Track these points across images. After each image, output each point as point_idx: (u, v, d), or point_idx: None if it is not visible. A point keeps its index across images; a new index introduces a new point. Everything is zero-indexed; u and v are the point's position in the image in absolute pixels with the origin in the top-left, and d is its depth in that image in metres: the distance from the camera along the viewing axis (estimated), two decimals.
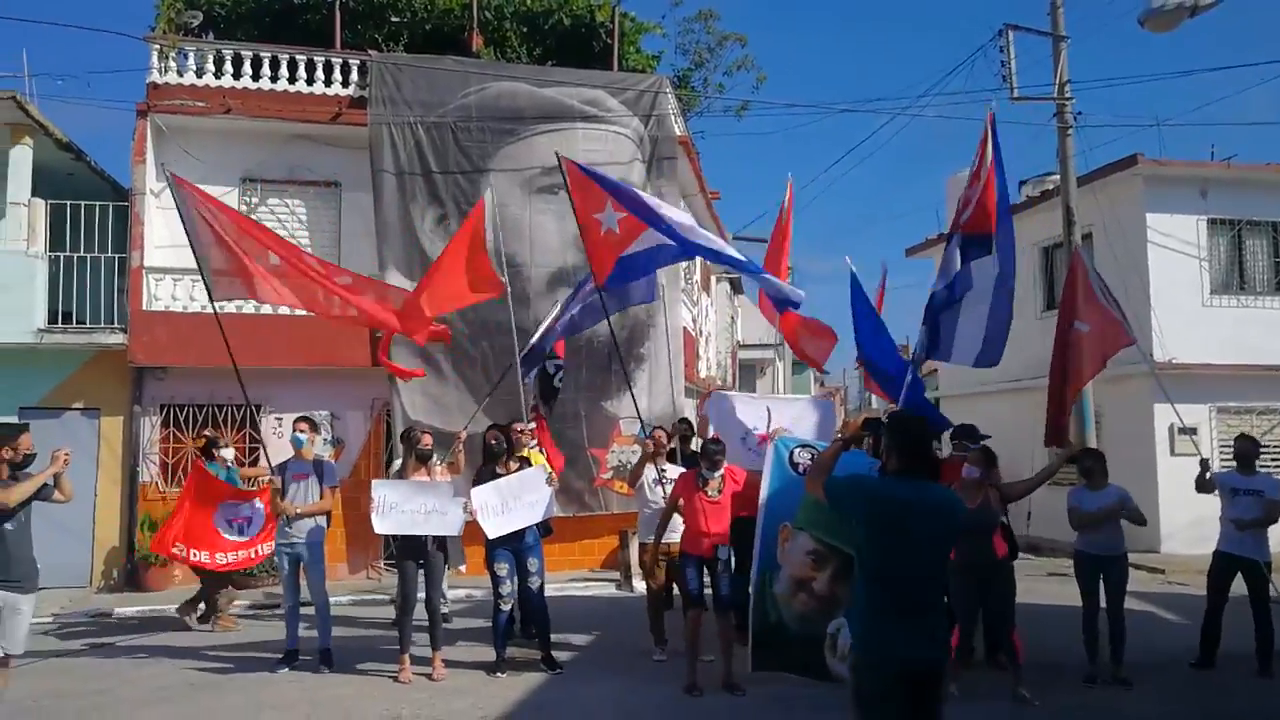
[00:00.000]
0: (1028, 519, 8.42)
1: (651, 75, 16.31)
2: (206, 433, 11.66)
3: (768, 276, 9.41)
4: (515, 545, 7.98)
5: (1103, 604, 7.71)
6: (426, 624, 8.01)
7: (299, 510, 8.18)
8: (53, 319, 13.00)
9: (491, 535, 7.86)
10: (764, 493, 7.22)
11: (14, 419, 12.88)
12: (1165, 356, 15.75)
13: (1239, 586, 8.01)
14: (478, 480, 8.07)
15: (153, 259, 13.35)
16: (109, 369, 13.15)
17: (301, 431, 8.51)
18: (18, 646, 5.93)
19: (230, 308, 13.15)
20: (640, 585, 12.63)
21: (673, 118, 15.17)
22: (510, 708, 6.96)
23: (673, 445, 9.01)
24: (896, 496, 4.02)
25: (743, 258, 9.08)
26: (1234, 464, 8.44)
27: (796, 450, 7.29)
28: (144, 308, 12.94)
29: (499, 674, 7.81)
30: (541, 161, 13.77)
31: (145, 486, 13.20)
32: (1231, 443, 8.55)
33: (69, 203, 13.29)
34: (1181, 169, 16.56)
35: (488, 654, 8.23)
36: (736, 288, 28.99)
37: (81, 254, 13.14)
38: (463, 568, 10.75)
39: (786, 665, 7.01)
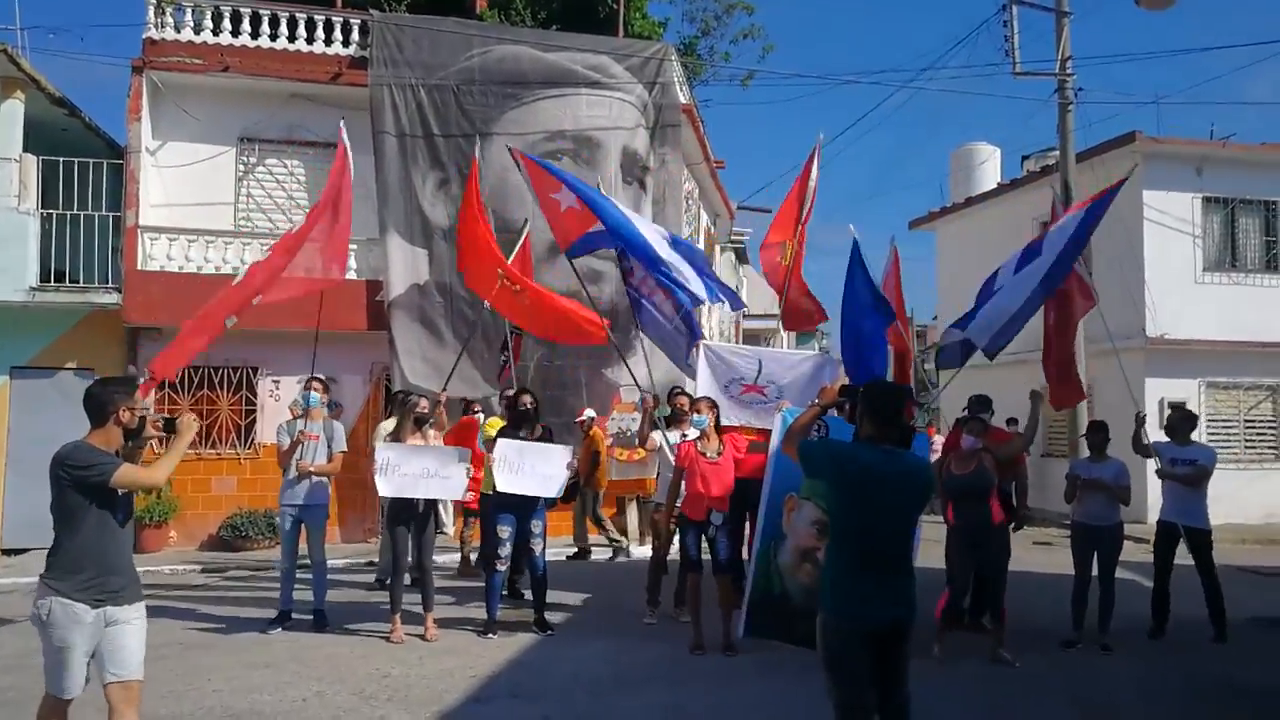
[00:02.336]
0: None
1: (657, 42, 16.19)
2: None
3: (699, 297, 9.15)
4: (520, 508, 8.00)
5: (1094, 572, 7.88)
6: (418, 585, 8.11)
7: (313, 469, 8.20)
8: (45, 277, 12.95)
9: (501, 488, 7.86)
10: (770, 463, 7.28)
11: (5, 379, 12.90)
12: (1158, 332, 15.91)
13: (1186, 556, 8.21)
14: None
15: (148, 218, 13.30)
16: (103, 329, 13.13)
17: (315, 390, 8.49)
18: (130, 669, 4.45)
19: (226, 268, 13.19)
20: (637, 550, 12.76)
21: (677, 86, 15.09)
22: (500, 667, 7.02)
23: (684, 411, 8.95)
24: (866, 461, 4.15)
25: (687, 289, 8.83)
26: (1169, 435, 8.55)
27: None
28: (139, 267, 12.90)
29: (490, 635, 7.87)
30: (545, 126, 13.76)
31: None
32: (1175, 416, 8.65)
33: (62, 159, 13.22)
34: (1178, 147, 16.67)
35: (481, 615, 8.30)
36: (742, 258, 28.89)
37: (75, 212, 13.08)
38: (449, 531, 10.81)
39: (783, 635, 7.09)
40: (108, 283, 13.10)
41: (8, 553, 12.47)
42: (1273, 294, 16.79)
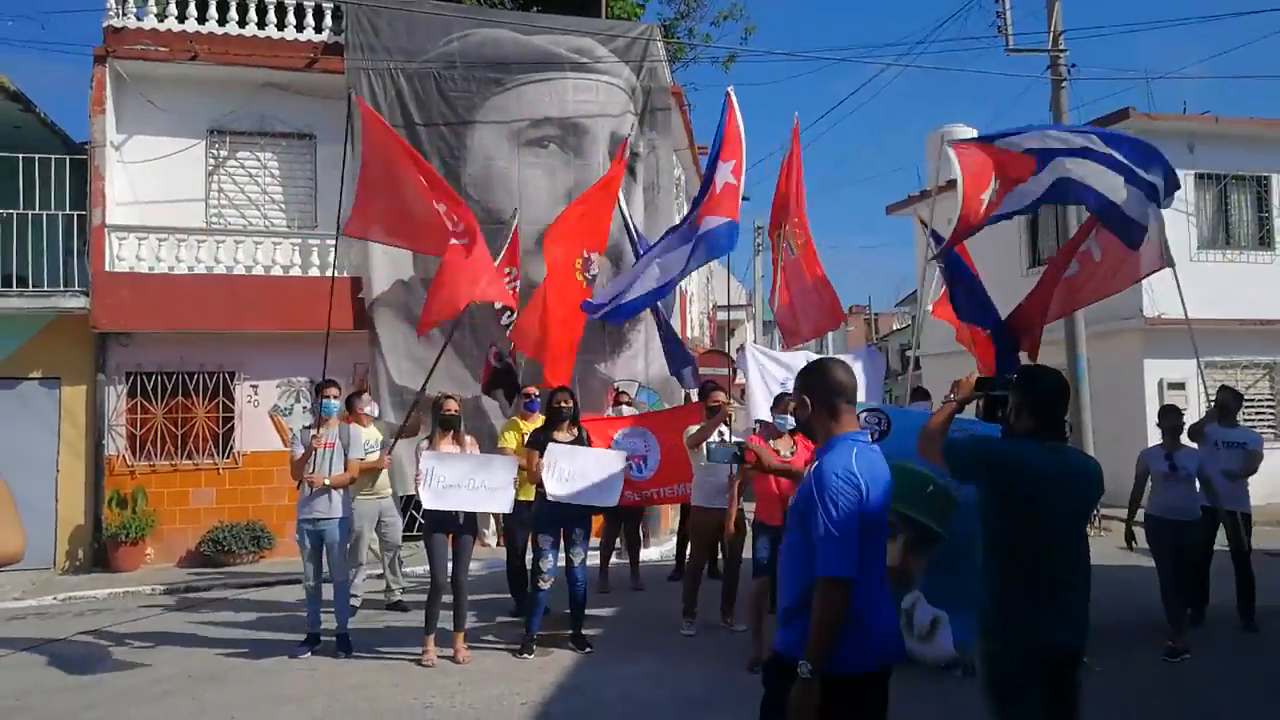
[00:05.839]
0: None
1: (641, 23, 15.66)
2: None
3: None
4: (567, 518, 7.45)
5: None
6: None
7: (328, 482, 7.56)
8: (4, 282, 12.13)
9: (551, 495, 7.30)
10: None
11: None
12: (1154, 312, 15.66)
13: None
14: (534, 443, 7.54)
15: (115, 216, 12.44)
16: (69, 335, 12.28)
17: (334, 398, 7.85)
18: None
19: (200, 267, 12.44)
20: (646, 553, 12.21)
21: (665, 67, 14.54)
22: (548, 691, 6.48)
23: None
24: (1028, 461, 3.54)
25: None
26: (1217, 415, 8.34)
27: (862, 416, 6.84)
28: (107, 268, 12.04)
29: (526, 654, 7.31)
30: (530, 112, 13.11)
31: (112, 460, 12.40)
32: (1229, 395, 8.53)
33: (21, 156, 12.35)
34: (1171, 123, 16.44)
35: (506, 631, 7.72)
36: None
37: (36, 212, 12.23)
38: (491, 541, 10.21)
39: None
40: (73, 286, 12.25)
41: None
42: (1266, 271, 16.70)
